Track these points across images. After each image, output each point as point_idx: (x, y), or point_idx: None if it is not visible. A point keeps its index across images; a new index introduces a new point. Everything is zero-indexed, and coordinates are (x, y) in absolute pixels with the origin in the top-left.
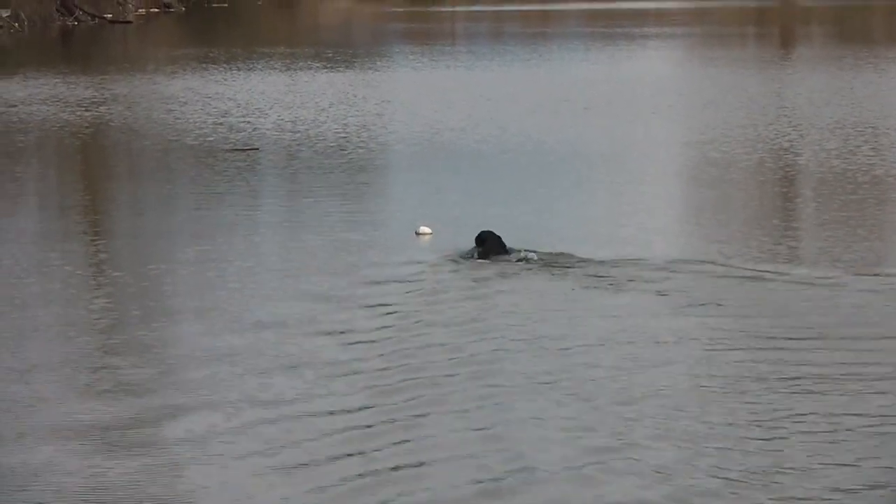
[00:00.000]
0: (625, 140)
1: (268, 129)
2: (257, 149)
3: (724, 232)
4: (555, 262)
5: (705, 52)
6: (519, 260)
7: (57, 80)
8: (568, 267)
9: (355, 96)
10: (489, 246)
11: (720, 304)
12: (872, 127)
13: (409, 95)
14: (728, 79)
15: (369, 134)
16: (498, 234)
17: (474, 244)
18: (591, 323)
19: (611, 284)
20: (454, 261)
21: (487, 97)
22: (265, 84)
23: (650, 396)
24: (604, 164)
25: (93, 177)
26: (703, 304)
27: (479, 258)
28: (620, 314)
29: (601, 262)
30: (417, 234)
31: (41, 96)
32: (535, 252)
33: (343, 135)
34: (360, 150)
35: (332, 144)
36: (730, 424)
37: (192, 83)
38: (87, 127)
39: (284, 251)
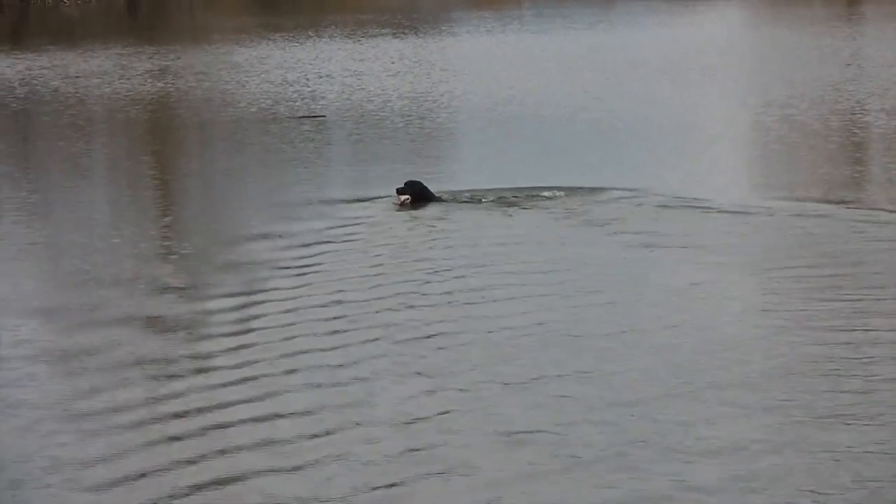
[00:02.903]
0: (703, 104)
1: (334, 97)
2: (324, 116)
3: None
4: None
5: (771, 12)
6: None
7: (124, 52)
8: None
9: (421, 62)
10: (415, 192)
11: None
12: None
13: (476, 61)
14: (796, 38)
15: (436, 99)
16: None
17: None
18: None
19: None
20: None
21: (555, 61)
22: (331, 51)
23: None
24: (683, 130)
25: (160, 147)
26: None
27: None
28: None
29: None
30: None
31: (108, 67)
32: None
33: (410, 101)
34: (427, 116)
35: (398, 111)
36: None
37: (259, 52)
38: (154, 98)
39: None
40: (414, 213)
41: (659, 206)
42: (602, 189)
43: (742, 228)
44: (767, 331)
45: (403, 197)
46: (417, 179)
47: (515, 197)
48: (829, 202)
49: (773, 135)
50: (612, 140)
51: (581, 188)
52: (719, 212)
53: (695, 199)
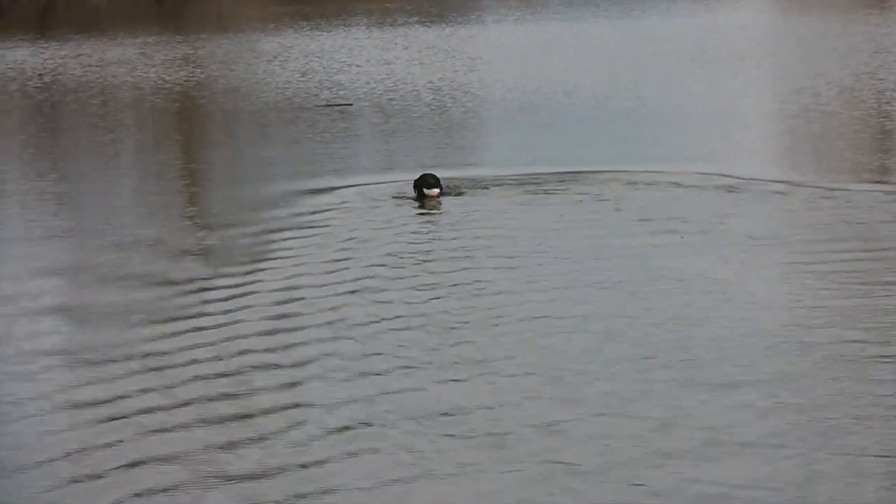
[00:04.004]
0: (737, 91)
1: (361, 85)
2: (351, 104)
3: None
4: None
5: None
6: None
7: (150, 40)
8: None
9: (449, 50)
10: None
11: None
12: None
13: (504, 49)
14: (826, 25)
15: (463, 88)
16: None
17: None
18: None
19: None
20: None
21: (584, 49)
22: (358, 39)
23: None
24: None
25: (187, 136)
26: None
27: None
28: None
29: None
30: (426, 194)
31: (135, 55)
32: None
33: (437, 90)
34: (455, 105)
35: (425, 99)
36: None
37: (286, 40)
38: (180, 86)
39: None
40: (453, 202)
41: (690, 188)
42: (629, 173)
43: (772, 211)
44: (796, 326)
45: (437, 191)
46: (431, 172)
47: (539, 183)
48: (860, 184)
49: (801, 121)
50: (641, 126)
51: (606, 172)
52: (749, 194)
53: (725, 182)
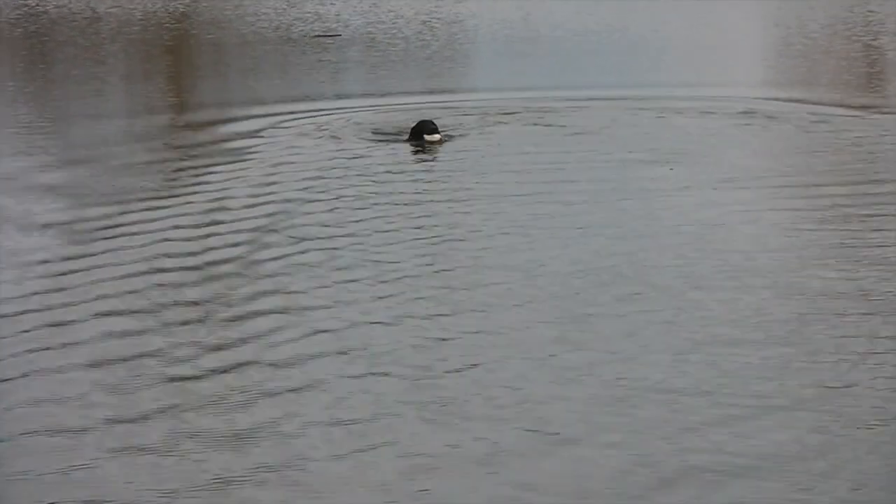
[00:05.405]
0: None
1: (350, 16)
2: (339, 35)
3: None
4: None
5: None
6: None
7: None
8: None
9: None
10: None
11: None
12: None
13: None
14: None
15: (450, 18)
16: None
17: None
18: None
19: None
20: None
21: None
22: None
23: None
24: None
25: (178, 69)
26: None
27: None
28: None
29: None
30: (427, 140)
31: None
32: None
33: (425, 19)
34: (442, 36)
35: (414, 30)
36: None
37: None
38: (171, 18)
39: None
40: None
41: (675, 113)
42: (612, 100)
43: (763, 135)
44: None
45: (439, 136)
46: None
47: (532, 112)
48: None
49: (793, 50)
50: (626, 57)
51: (594, 99)
52: (737, 116)
53: (716, 106)
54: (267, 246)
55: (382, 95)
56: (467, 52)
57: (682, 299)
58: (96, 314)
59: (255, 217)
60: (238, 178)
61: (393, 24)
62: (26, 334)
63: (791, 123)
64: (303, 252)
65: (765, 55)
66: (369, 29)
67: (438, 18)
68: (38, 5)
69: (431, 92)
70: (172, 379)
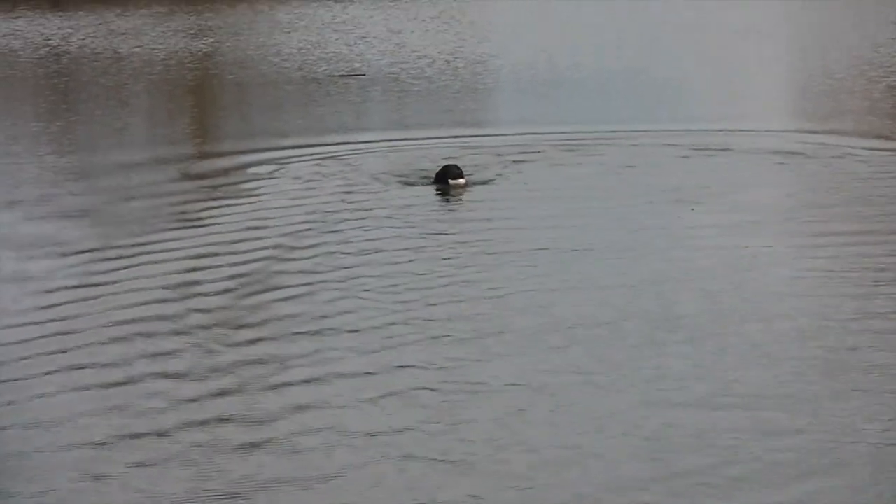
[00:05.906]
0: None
1: (373, 55)
2: (363, 74)
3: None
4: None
5: None
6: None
7: (162, 10)
8: None
9: (460, 22)
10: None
11: None
12: None
13: (515, 21)
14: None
15: (474, 58)
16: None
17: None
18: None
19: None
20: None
21: (591, 23)
22: (370, 10)
23: None
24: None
25: (200, 106)
26: None
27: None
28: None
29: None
30: (451, 184)
31: (147, 26)
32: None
33: (448, 59)
34: (465, 75)
35: (437, 69)
36: None
37: (298, 10)
38: (194, 56)
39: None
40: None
41: (696, 151)
42: (635, 134)
43: (786, 175)
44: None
45: (464, 181)
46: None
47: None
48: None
49: (817, 88)
50: (645, 92)
51: (615, 133)
52: (758, 155)
53: (737, 145)
54: (277, 276)
55: (406, 130)
56: (490, 91)
57: (712, 345)
58: (110, 339)
59: (265, 248)
60: (257, 214)
61: (416, 63)
62: (47, 355)
63: (818, 160)
64: (316, 291)
65: (789, 91)
66: (393, 69)
67: (461, 58)
68: (60, 45)
69: (458, 124)
70: (180, 400)
